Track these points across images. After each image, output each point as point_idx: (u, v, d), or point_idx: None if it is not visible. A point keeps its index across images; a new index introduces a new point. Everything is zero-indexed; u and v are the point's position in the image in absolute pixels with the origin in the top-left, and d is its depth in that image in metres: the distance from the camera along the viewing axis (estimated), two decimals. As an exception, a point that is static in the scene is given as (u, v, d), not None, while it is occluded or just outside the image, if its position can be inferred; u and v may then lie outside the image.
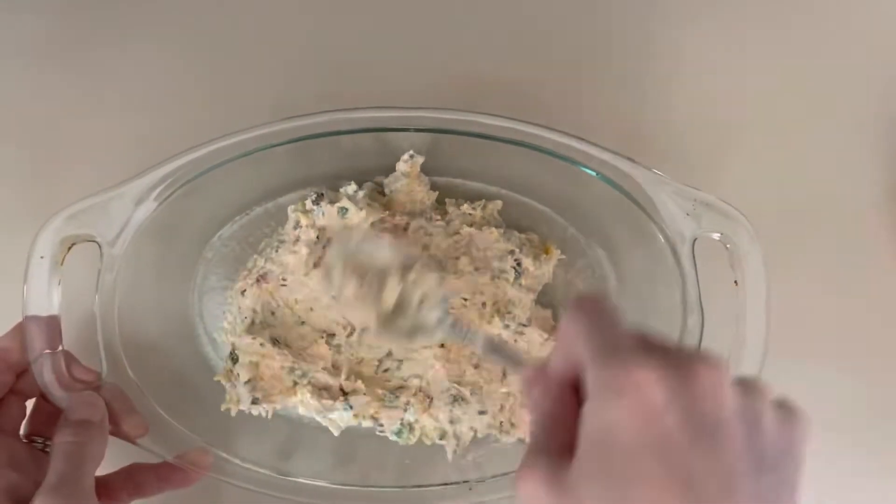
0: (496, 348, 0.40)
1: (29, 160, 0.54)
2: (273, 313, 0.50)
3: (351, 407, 0.49)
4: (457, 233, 0.50)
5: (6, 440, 0.41)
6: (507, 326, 0.50)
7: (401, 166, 0.49)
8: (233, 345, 0.49)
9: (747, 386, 0.28)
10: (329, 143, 0.46)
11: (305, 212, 0.50)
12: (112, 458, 0.44)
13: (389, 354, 0.50)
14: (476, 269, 0.50)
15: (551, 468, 0.27)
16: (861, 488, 0.53)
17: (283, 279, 0.50)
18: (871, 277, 0.55)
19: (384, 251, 0.43)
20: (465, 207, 0.51)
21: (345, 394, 0.49)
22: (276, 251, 0.50)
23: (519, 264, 0.50)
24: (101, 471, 0.44)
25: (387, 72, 0.55)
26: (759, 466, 0.26)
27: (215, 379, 0.50)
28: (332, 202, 0.49)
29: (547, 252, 0.51)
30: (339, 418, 0.49)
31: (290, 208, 0.50)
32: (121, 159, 0.49)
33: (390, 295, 0.42)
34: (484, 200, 0.51)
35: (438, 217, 0.51)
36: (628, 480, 0.25)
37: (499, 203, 0.52)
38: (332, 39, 0.56)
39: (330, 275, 0.44)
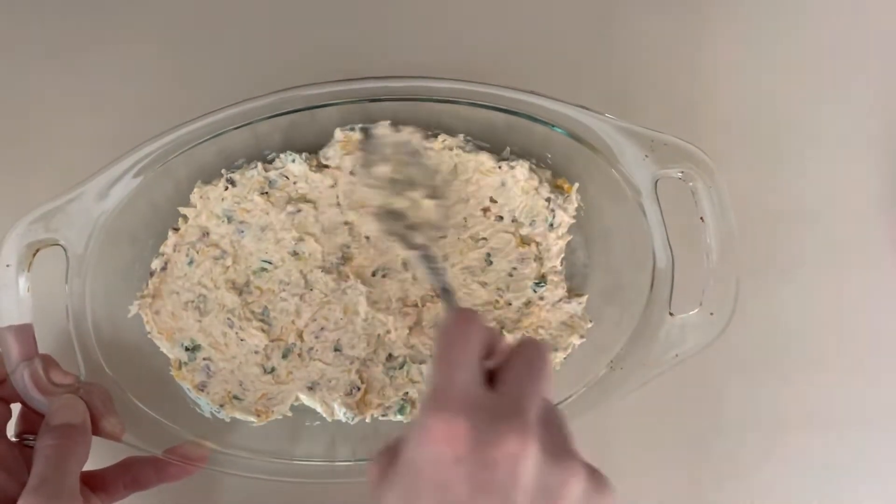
0: (448, 294, 0.42)
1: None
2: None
3: (353, 417, 0.49)
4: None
5: None
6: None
7: (337, 135, 0.49)
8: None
9: (557, 462, 0.30)
10: (275, 121, 0.46)
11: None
12: (110, 452, 0.45)
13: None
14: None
15: (385, 465, 0.32)
16: (861, 488, 0.54)
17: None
18: (871, 277, 0.55)
19: (425, 168, 0.47)
20: (442, 140, 0.49)
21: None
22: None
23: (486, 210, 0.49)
24: (99, 464, 0.45)
25: (357, 50, 0.55)
26: None
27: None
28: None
29: (562, 189, 0.50)
30: (337, 413, 0.50)
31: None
32: (87, 157, 0.48)
33: (403, 201, 0.46)
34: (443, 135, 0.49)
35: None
36: None
37: (460, 136, 0.50)
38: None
39: (376, 153, 0.47)
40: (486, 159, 0.49)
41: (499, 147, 0.50)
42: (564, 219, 0.50)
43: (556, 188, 0.50)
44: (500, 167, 0.49)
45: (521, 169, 0.49)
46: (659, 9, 0.56)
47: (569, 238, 0.50)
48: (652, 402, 0.52)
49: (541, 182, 0.49)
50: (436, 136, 0.49)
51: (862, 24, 0.57)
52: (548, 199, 0.49)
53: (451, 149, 0.49)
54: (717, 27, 0.56)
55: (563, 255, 0.50)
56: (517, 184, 0.49)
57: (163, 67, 0.55)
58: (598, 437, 0.53)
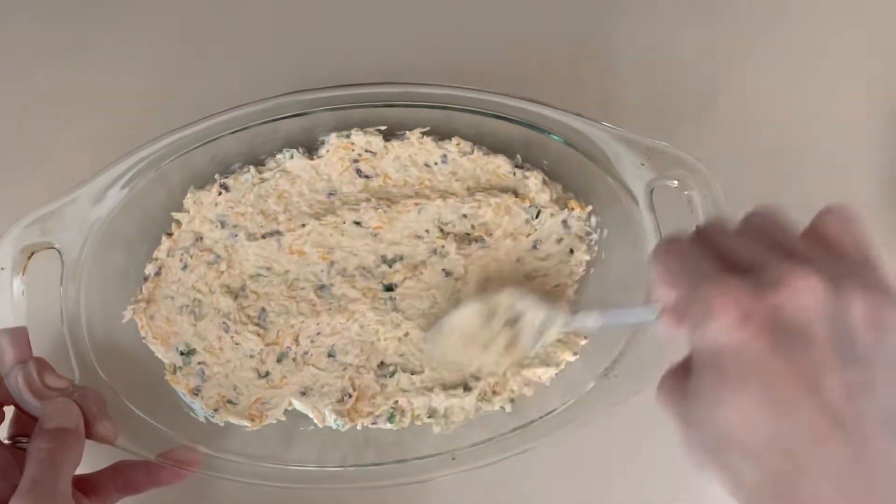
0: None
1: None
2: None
3: (343, 424, 0.49)
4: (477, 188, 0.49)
5: None
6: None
7: (332, 139, 0.49)
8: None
9: (838, 285, 0.30)
10: (269, 127, 0.46)
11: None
12: (103, 456, 0.45)
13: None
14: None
15: (676, 383, 0.32)
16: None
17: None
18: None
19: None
20: (456, 143, 0.49)
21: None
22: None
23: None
24: (92, 468, 0.45)
25: (352, 54, 0.55)
26: (845, 361, 0.29)
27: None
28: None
29: (574, 208, 0.50)
30: (328, 419, 0.50)
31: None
32: (82, 161, 0.49)
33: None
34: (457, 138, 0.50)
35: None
36: (720, 393, 0.29)
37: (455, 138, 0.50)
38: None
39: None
40: (502, 162, 0.49)
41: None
42: (579, 244, 0.50)
43: (566, 204, 0.50)
44: (514, 174, 0.49)
45: (535, 180, 0.49)
46: (657, 16, 0.56)
47: (587, 258, 0.50)
48: (649, 409, 0.52)
49: (552, 198, 0.49)
50: (449, 138, 0.49)
51: (861, 24, 0.57)
52: (563, 222, 0.50)
53: (468, 152, 0.49)
54: (715, 33, 0.56)
55: (582, 274, 0.50)
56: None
57: (159, 71, 0.55)
58: (597, 445, 0.53)
